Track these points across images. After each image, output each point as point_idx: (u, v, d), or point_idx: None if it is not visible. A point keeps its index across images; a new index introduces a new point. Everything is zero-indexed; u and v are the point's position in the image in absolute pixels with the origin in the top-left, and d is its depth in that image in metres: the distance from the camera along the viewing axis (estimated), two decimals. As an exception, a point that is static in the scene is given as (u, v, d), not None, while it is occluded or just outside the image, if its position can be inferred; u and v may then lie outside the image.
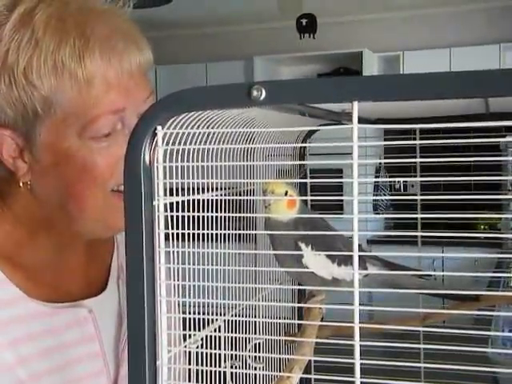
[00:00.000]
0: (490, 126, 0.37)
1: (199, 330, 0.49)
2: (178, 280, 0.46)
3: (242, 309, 0.58)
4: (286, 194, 0.63)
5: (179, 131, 0.42)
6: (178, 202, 0.44)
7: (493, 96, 0.38)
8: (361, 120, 0.38)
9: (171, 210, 0.43)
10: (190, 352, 0.48)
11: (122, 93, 0.65)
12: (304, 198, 0.83)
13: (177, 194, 0.44)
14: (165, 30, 5.40)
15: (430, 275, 0.73)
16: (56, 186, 0.67)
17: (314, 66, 5.25)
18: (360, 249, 0.40)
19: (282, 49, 5.07)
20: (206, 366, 0.47)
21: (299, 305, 0.79)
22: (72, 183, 0.66)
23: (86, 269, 0.77)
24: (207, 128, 0.44)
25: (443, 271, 4.07)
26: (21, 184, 0.67)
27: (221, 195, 0.53)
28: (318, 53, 4.95)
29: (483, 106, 0.59)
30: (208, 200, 0.50)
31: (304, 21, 4.54)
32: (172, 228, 0.44)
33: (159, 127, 0.40)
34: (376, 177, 4.19)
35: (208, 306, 0.51)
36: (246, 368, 0.54)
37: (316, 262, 0.65)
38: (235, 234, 0.56)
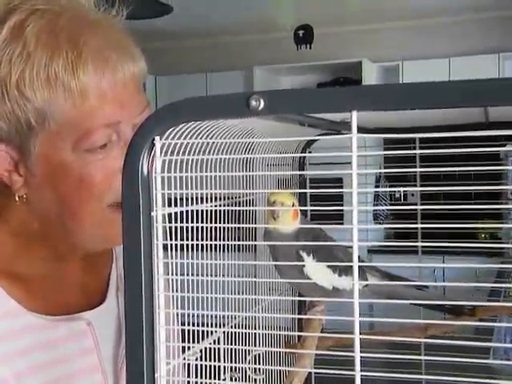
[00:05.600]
0: (489, 135, 0.37)
1: (198, 341, 0.49)
2: (177, 291, 0.46)
3: (242, 320, 0.57)
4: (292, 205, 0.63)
5: (178, 141, 0.42)
6: (176, 213, 0.44)
7: (491, 105, 0.38)
8: (360, 129, 0.38)
9: (170, 221, 0.43)
10: (189, 364, 0.48)
11: (116, 105, 0.65)
12: (306, 208, 0.83)
13: (175, 205, 0.44)
14: (165, 40, 5.42)
15: (427, 286, 0.73)
16: (52, 198, 0.66)
17: (314, 75, 5.27)
18: (359, 259, 0.40)
19: (282, 59, 5.09)
20: (205, 378, 0.47)
21: (299, 316, 0.78)
22: (68, 196, 0.66)
23: (84, 280, 0.77)
24: (206, 138, 0.44)
25: (444, 281, 4.07)
26: (17, 198, 0.67)
27: (220, 205, 0.52)
28: (318, 63, 4.98)
29: (483, 115, 0.59)
30: (207, 210, 0.50)
31: (301, 32, 4.57)
32: (171, 239, 0.44)
33: (157, 138, 0.40)
34: (376, 186, 4.19)
35: (207, 318, 0.51)
36: (245, 380, 0.54)
37: (317, 271, 0.65)
38: (235, 245, 0.56)
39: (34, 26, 0.63)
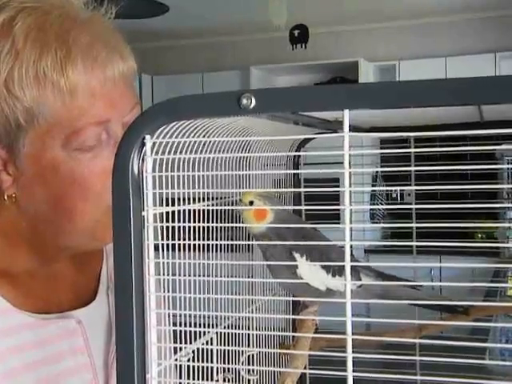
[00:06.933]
0: (485, 134, 0.37)
1: (190, 342, 0.48)
2: (169, 291, 0.45)
3: (235, 320, 0.57)
4: (251, 204, 0.62)
5: (169, 140, 0.41)
6: (167, 212, 0.43)
7: (485, 103, 0.38)
8: (354, 129, 0.37)
9: (161, 221, 0.43)
10: (180, 365, 0.47)
11: (106, 103, 0.64)
12: (300, 207, 0.82)
13: (166, 204, 0.44)
14: (161, 40, 5.42)
15: (422, 285, 0.72)
16: (43, 197, 0.66)
17: (310, 75, 5.27)
18: (353, 259, 0.40)
19: (278, 59, 5.09)
20: (198, 379, 0.46)
21: (292, 316, 0.78)
22: (61, 195, 0.65)
23: (74, 279, 0.76)
24: (197, 137, 0.44)
25: (441, 281, 4.07)
26: (5, 197, 0.67)
27: (212, 205, 0.52)
28: (315, 62, 4.98)
29: (477, 114, 0.59)
30: (198, 210, 0.50)
31: (296, 32, 4.56)
32: (162, 238, 0.43)
33: (148, 136, 0.40)
34: (373, 186, 4.19)
35: (200, 318, 0.50)
36: (238, 381, 0.53)
37: (311, 272, 0.65)
38: (227, 245, 0.55)
39: (23, 23, 0.62)
